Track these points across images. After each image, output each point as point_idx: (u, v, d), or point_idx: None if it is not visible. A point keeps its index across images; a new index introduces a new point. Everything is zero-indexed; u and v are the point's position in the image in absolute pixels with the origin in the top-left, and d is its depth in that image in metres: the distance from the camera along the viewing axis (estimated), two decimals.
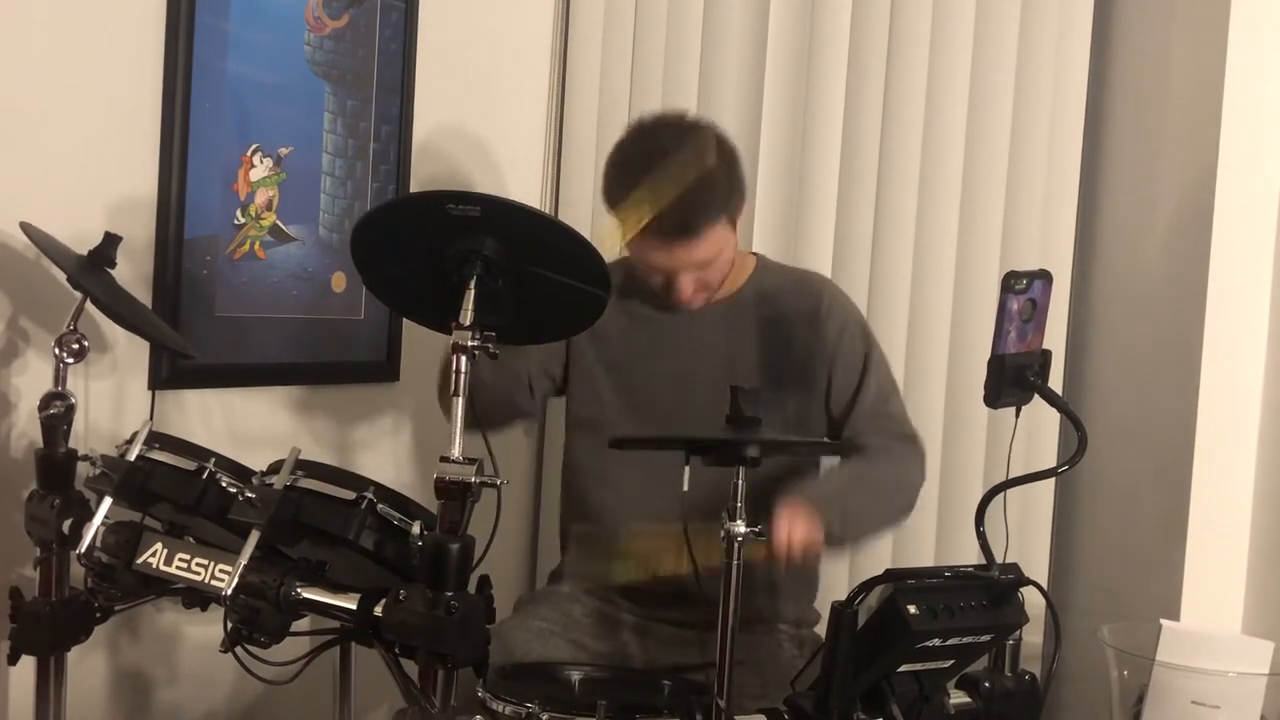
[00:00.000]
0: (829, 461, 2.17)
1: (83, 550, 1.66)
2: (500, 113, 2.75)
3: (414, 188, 2.54)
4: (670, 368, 2.14)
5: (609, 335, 2.13)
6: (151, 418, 1.84)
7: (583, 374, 2.19)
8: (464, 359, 1.48)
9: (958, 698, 1.66)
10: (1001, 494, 1.57)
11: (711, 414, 1.67)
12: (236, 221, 2.24)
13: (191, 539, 1.67)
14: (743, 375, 2.02)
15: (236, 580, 1.54)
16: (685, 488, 1.59)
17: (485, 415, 1.58)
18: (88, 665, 2.07)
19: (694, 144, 1.98)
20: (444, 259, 1.54)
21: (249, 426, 2.28)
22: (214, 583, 1.56)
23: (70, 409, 1.79)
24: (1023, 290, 1.54)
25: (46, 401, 1.78)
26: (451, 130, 2.65)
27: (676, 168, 1.92)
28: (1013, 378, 1.56)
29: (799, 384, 2.11)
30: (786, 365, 2.11)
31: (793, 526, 1.77)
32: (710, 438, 1.62)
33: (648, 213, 1.90)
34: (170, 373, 2.14)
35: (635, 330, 2.16)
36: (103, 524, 1.67)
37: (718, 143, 2.03)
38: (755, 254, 2.25)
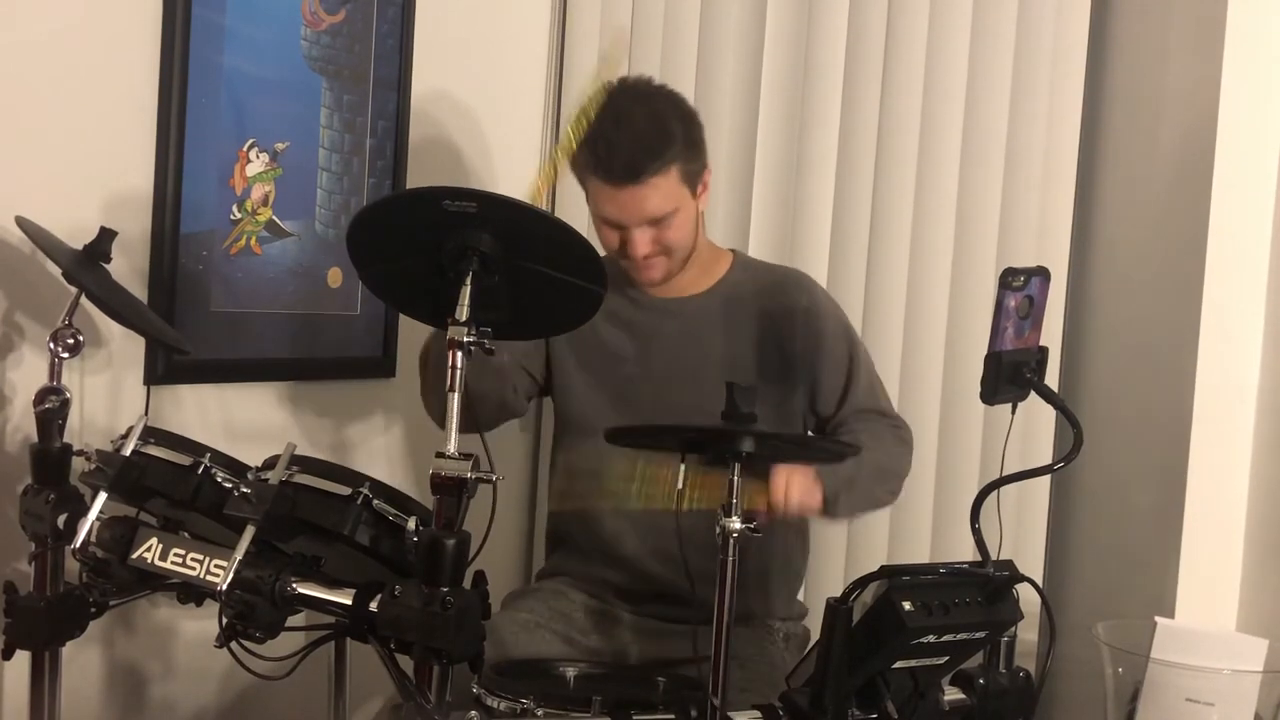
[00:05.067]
0: None
1: (77, 545, 1.66)
2: (497, 108, 2.74)
3: (410, 183, 2.54)
4: (651, 363, 2.14)
5: (588, 333, 2.11)
6: (147, 413, 1.84)
7: (564, 373, 2.19)
8: (460, 355, 1.48)
9: (952, 694, 1.66)
10: (997, 491, 1.57)
11: (693, 409, 1.66)
12: (232, 217, 2.24)
13: (187, 534, 1.67)
14: (724, 370, 2.01)
15: (232, 575, 1.54)
16: (680, 485, 1.59)
17: (473, 413, 1.56)
18: (83, 660, 2.07)
19: (651, 100, 2.04)
20: (440, 255, 1.53)
21: (244, 422, 2.28)
22: (209, 578, 1.56)
23: (65, 404, 1.78)
24: (1020, 287, 1.54)
25: (41, 396, 1.78)
26: (448, 126, 2.64)
27: (627, 111, 1.97)
28: (1009, 374, 1.56)
29: (779, 380, 2.11)
30: (767, 361, 2.11)
31: (790, 480, 1.81)
32: (708, 426, 1.61)
33: (587, 149, 1.93)
34: (165, 368, 2.14)
35: (615, 327, 2.15)
36: (98, 519, 1.66)
37: (675, 104, 2.06)
38: (733, 250, 2.25)
